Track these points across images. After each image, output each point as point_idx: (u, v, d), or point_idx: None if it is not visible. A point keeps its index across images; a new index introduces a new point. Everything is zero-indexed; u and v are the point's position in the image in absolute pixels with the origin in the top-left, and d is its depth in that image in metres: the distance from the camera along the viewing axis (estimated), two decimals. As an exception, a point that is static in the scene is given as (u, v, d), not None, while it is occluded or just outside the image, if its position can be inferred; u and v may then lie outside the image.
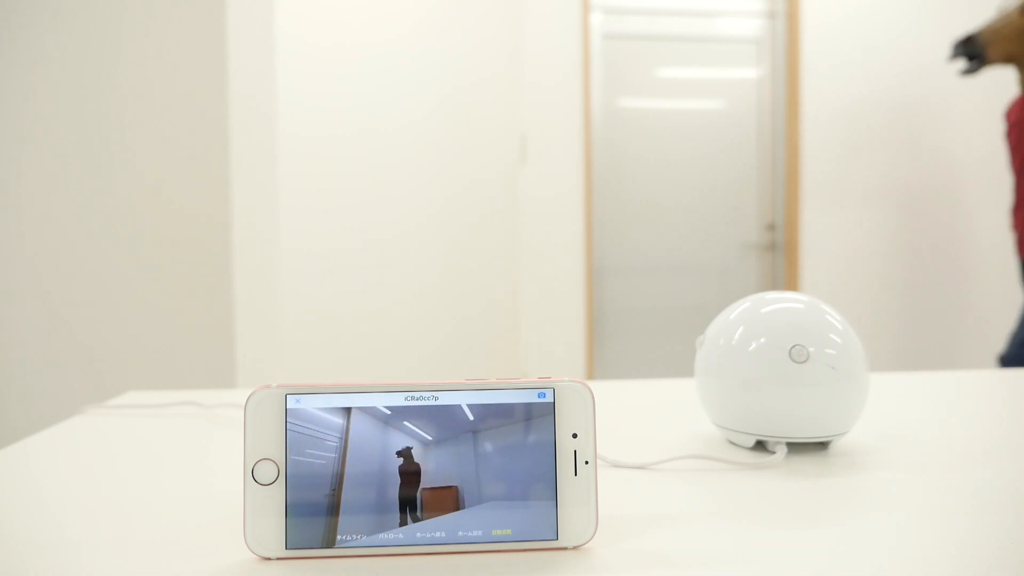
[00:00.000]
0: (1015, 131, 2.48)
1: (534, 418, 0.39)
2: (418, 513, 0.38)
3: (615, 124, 3.38)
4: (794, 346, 0.53)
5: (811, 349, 0.53)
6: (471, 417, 0.38)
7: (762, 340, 0.54)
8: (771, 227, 3.50)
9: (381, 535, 0.37)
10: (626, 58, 3.37)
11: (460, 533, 0.37)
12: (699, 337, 0.58)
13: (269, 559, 0.37)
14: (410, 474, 0.38)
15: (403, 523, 0.37)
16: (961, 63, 2.70)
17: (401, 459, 0.38)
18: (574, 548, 0.39)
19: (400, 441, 0.38)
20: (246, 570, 0.37)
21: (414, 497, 0.37)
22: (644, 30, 3.38)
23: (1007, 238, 3.48)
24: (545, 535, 0.38)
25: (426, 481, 0.38)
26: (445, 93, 3.52)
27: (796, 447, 0.56)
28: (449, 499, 0.38)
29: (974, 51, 2.50)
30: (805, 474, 0.51)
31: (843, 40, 3.36)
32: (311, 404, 0.38)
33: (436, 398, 0.38)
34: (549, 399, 0.39)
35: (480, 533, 0.38)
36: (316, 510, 0.37)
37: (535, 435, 0.38)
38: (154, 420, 0.68)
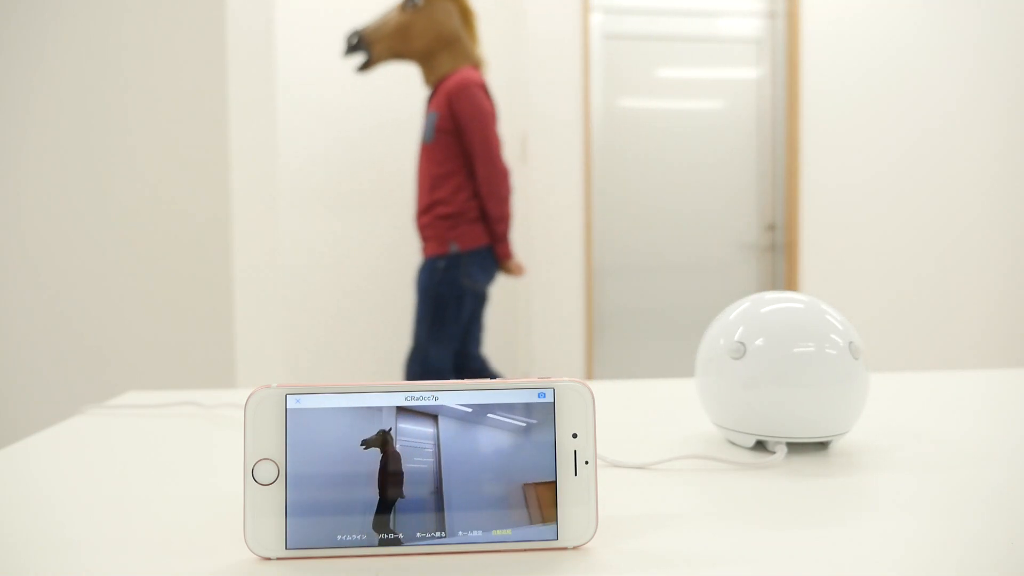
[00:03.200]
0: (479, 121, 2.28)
1: (534, 418, 0.39)
2: (528, 510, 0.38)
3: (615, 124, 3.38)
4: (851, 342, 0.54)
5: (862, 347, 0.55)
6: (471, 416, 0.38)
7: (762, 340, 0.54)
8: (771, 227, 3.50)
9: (381, 535, 0.37)
10: (626, 58, 3.37)
11: (460, 533, 0.37)
12: (734, 345, 0.55)
13: (269, 559, 0.37)
14: (394, 473, 0.37)
15: (403, 522, 0.37)
16: (358, 59, 2.56)
17: (380, 453, 0.37)
18: (574, 548, 0.39)
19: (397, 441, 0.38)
20: (246, 570, 0.37)
21: (398, 496, 0.37)
22: (644, 30, 3.38)
23: (1007, 238, 3.48)
24: (545, 535, 0.38)
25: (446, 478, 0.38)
26: (445, 93, 3.51)
27: (796, 447, 0.56)
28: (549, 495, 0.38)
29: (362, 48, 2.40)
30: (805, 474, 0.51)
31: (843, 40, 3.36)
32: (311, 404, 0.38)
33: (436, 398, 0.38)
34: (549, 399, 0.39)
35: (480, 533, 0.38)
36: (316, 510, 0.37)
37: (535, 435, 0.38)
38: (154, 420, 0.68)
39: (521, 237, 3.44)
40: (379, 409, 0.38)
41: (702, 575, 0.36)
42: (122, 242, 1.62)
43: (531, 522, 0.38)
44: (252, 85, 1.76)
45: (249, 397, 0.38)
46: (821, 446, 0.57)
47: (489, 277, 2.37)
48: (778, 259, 3.49)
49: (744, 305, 0.57)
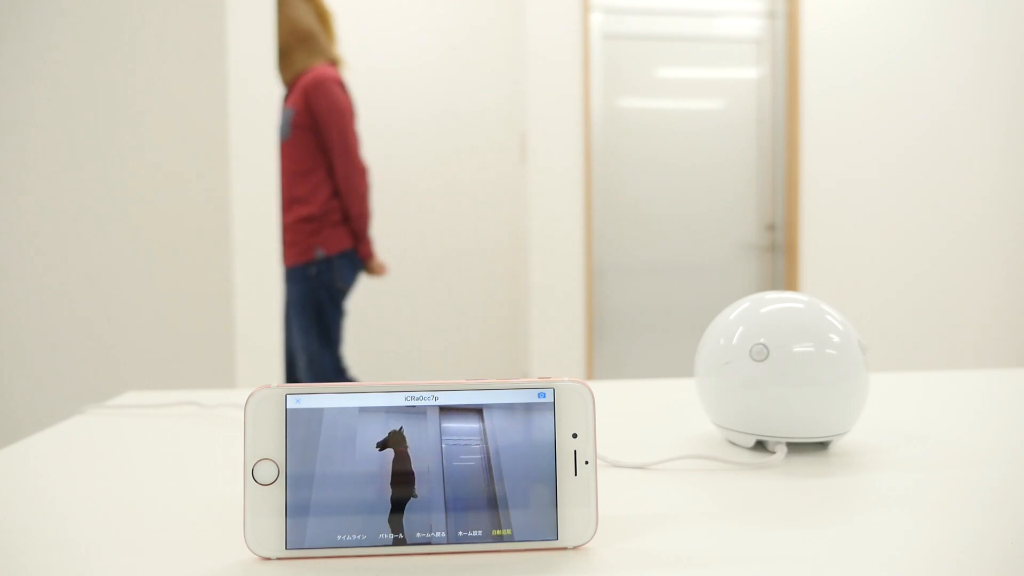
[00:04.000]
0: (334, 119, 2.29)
1: (534, 418, 0.39)
2: (528, 511, 0.37)
3: (615, 124, 3.38)
4: (858, 340, 0.55)
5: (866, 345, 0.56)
6: (471, 417, 0.38)
7: (762, 340, 0.54)
8: (771, 227, 3.50)
9: (381, 535, 0.37)
10: (626, 58, 3.37)
11: (460, 533, 0.37)
12: (757, 347, 0.54)
13: (269, 559, 0.37)
14: (403, 473, 0.37)
15: (403, 522, 0.37)
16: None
17: (392, 452, 0.38)
18: (574, 548, 0.39)
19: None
20: (246, 570, 0.37)
21: (408, 496, 0.37)
22: (644, 30, 3.38)
23: (1007, 238, 3.48)
24: (545, 535, 0.38)
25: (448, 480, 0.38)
26: (446, 93, 3.52)
27: (796, 447, 0.56)
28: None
29: None
30: (805, 474, 0.51)
31: (843, 40, 3.36)
32: (311, 404, 0.38)
33: (436, 398, 0.38)
34: (549, 399, 0.39)
35: (480, 533, 0.38)
36: (316, 510, 0.37)
37: (535, 435, 0.38)
38: (154, 420, 0.68)
39: (521, 237, 3.44)
40: (379, 409, 0.38)
41: (702, 575, 0.36)
42: (122, 242, 1.62)
43: (531, 522, 0.38)
44: (252, 84, 1.76)
45: (249, 397, 0.38)
46: (821, 446, 0.57)
47: (355, 278, 2.39)
48: (778, 259, 3.49)
49: (744, 305, 0.57)
